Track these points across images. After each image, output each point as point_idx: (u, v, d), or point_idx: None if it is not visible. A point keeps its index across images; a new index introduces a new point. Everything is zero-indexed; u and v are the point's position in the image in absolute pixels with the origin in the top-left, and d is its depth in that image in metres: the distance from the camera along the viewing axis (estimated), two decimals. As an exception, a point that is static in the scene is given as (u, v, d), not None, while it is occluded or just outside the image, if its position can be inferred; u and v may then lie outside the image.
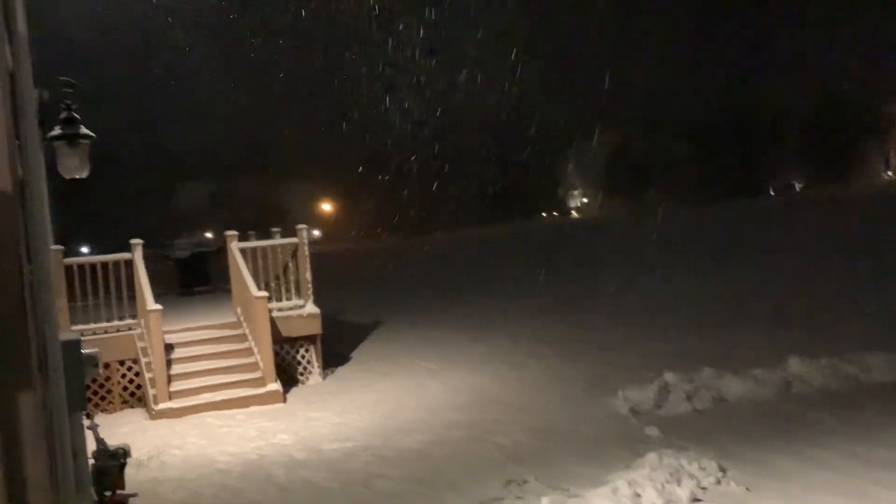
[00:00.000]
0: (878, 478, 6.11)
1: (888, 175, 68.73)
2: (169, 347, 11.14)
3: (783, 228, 29.66)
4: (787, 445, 7.12)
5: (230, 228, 12.87)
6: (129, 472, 7.19)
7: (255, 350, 11.30)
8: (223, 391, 10.69)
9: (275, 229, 13.67)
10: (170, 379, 10.69)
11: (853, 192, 50.79)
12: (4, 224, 1.17)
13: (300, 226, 12.75)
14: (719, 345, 11.74)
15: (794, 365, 9.65)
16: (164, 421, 10.14)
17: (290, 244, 12.67)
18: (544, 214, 72.25)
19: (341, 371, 12.60)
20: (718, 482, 6.27)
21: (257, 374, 10.99)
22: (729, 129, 64.31)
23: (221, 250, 20.23)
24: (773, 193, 66.61)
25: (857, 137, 64.11)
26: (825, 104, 63.74)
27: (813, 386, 9.25)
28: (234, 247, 12.23)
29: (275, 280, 12.53)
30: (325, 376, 12.25)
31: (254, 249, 12.49)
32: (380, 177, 63.06)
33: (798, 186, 69.58)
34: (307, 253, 12.56)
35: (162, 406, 10.41)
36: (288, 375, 11.89)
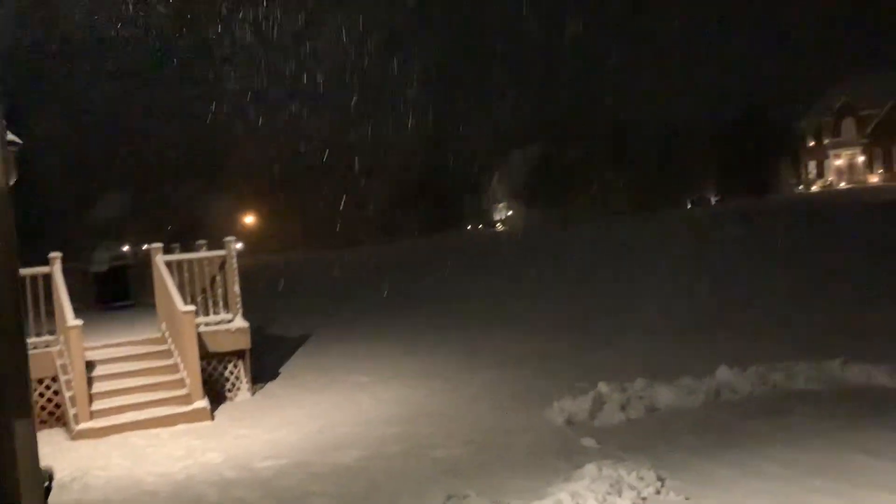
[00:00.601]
0: (812, 484, 6.22)
1: (800, 189, 71.27)
2: (90, 364, 10.71)
3: (702, 240, 30.38)
4: (722, 453, 7.20)
5: (149, 240, 12.50)
6: (52, 495, 6.86)
7: (182, 366, 10.95)
8: (148, 409, 10.32)
9: (200, 241, 13.35)
10: (91, 397, 10.28)
11: (767, 205, 52.48)
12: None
13: (228, 238, 12.48)
14: (647, 355, 11.89)
15: (723, 373, 9.81)
16: (85, 441, 9.73)
17: (218, 256, 12.37)
18: (469, 227, 72.63)
19: (271, 386, 12.33)
20: (658, 492, 6.29)
21: (184, 391, 10.66)
22: (650, 143, 65.78)
23: (142, 263, 19.70)
24: (689, 206, 68.33)
25: (771, 153, 66.35)
26: (742, 120, 65.80)
27: (741, 394, 9.41)
28: (160, 260, 11.87)
29: (201, 294, 12.21)
30: (254, 392, 11.97)
31: (179, 262, 12.15)
32: (301, 191, 62.54)
33: (713, 200, 71.55)
34: (235, 265, 12.27)
35: (83, 426, 9.98)
36: (215, 392, 11.56)
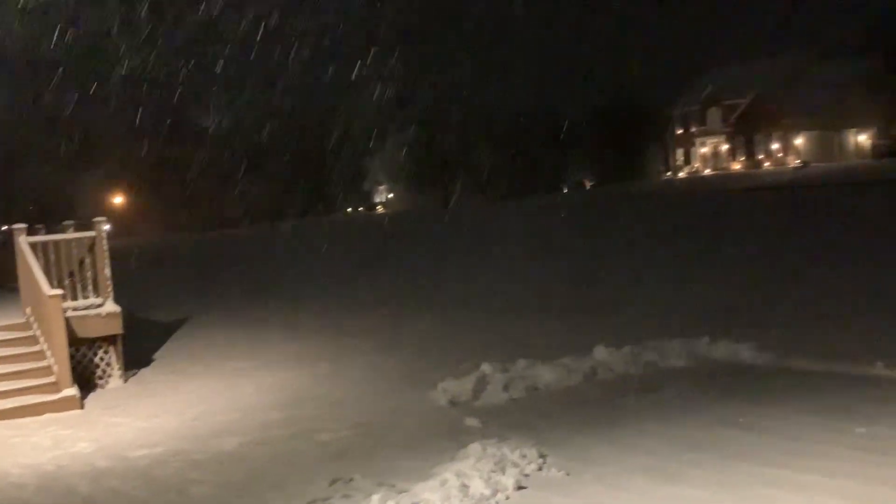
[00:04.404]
0: (686, 458, 6.49)
1: (667, 174, 74.20)
2: (-54, 352, 10.06)
3: (577, 223, 31.21)
4: (600, 430, 7.42)
5: (7, 222, 11.87)
6: None
7: (49, 353, 10.43)
8: (12, 398, 9.78)
9: (67, 222, 12.76)
10: (-52, 387, 9.65)
11: (636, 189, 54.43)
12: None
13: (98, 218, 11.95)
14: (528, 335, 12.13)
15: (600, 353, 10.10)
16: (-58, 434, 9.13)
17: (87, 238, 11.82)
18: (350, 209, 72.21)
19: (144, 373, 11.91)
20: (540, 469, 6.43)
21: (51, 379, 10.14)
22: (527, 130, 66.93)
23: (2, 246, 18.62)
24: (565, 191, 70.12)
25: (640, 138, 68.70)
26: (613, 107, 67.78)
27: (617, 372, 9.72)
28: (23, 241, 11.26)
29: (69, 277, 11.65)
30: (126, 379, 11.52)
31: (45, 244, 11.54)
32: (175, 172, 60.72)
33: (588, 184, 73.63)
34: (106, 247, 11.76)
35: (-61, 417, 9.37)
36: (85, 380, 11.07)
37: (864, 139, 65.34)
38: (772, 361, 9.67)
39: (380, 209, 73.07)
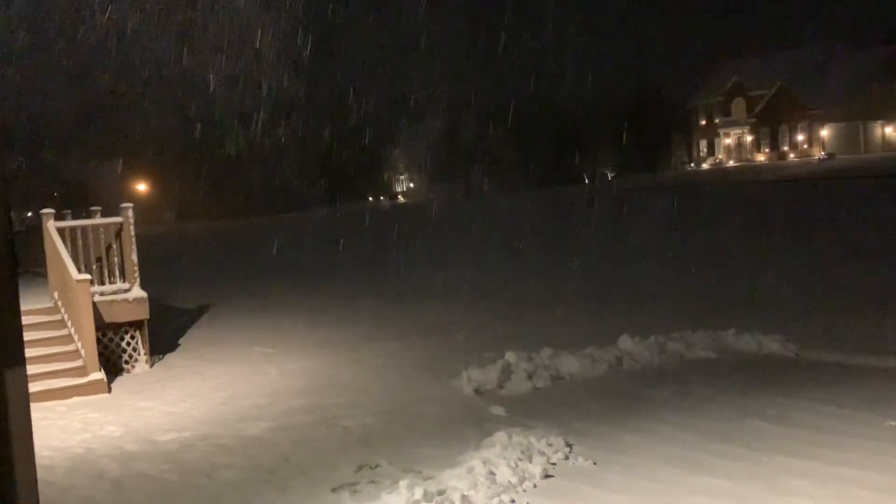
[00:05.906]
0: (712, 449, 6.46)
1: (691, 166, 73.64)
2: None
3: (600, 215, 31.10)
4: (626, 420, 7.41)
5: (31, 208, 11.96)
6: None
7: (76, 337, 10.52)
8: (41, 382, 9.86)
9: (95, 207, 12.85)
10: (-22, 370, 9.76)
11: (659, 182, 54.09)
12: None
13: (125, 204, 12.00)
14: (552, 325, 12.13)
15: (625, 343, 10.07)
16: (-28, 416, 9.24)
17: (114, 223, 11.90)
18: (371, 199, 72.27)
19: (170, 358, 12.00)
20: (567, 458, 6.42)
21: (79, 363, 10.24)
22: (549, 120, 66.59)
23: (28, 230, 18.83)
24: (587, 181, 69.78)
25: (663, 130, 68.11)
26: (636, 98, 67.25)
27: (642, 363, 9.69)
28: (51, 226, 11.34)
29: (96, 262, 11.73)
30: (152, 364, 11.61)
31: (73, 229, 11.62)
32: (197, 160, 60.94)
33: (610, 175, 73.23)
34: (133, 233, 11.82)
35: (-31, 400, 9.48)
36: (112, 364, 11.17)
37: (890, 131, 64.55)
38: (799, 353, 9.62)
39: (400, 199, 73.11)
